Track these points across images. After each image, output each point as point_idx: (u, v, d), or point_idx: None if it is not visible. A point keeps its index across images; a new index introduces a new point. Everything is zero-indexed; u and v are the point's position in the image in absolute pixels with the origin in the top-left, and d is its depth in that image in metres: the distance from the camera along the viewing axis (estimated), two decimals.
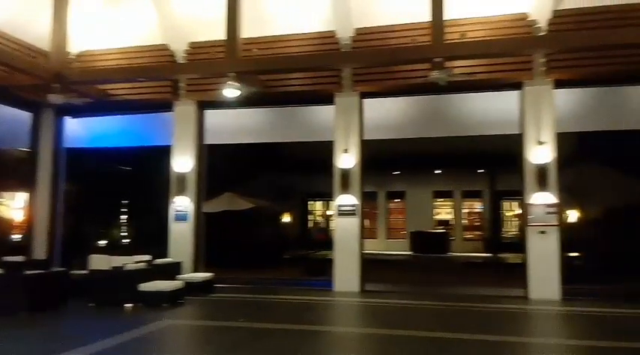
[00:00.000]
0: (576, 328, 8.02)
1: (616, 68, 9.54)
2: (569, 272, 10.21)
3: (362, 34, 10.79)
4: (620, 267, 12.15)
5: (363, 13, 10.70)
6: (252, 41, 10.83)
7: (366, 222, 24.57)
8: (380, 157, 15.37)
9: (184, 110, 11.88)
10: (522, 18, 10.01)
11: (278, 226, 20.70)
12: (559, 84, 10.10)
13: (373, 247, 22.06)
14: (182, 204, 11.67)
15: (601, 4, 9.54)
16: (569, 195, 12.61)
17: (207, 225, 12.32)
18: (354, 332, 7.55)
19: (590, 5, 9.60)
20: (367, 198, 21.68)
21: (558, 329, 8.15)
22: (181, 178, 11.69)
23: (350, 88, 10.99)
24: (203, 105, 11.93)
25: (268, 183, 19.79)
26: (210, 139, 12.15)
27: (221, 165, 13.70)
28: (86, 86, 11.04)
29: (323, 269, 12.04)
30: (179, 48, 11.72)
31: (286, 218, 22.73)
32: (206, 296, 10.02)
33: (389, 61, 10.14)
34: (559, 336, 7.56)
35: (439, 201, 25.41)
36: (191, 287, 9.83)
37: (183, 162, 11.75)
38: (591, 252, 12.84)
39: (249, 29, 10.47)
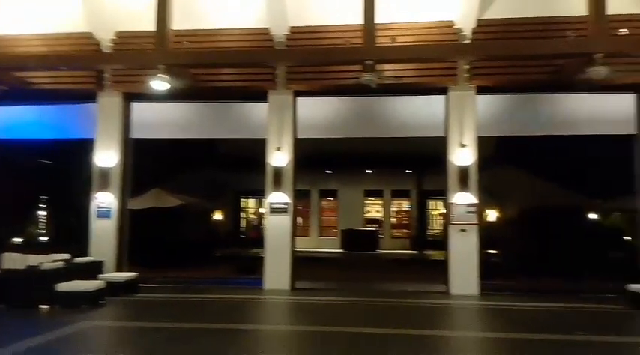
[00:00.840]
0: (493, 321, 8.52)
1: (532, 77, 10.21)
2: (487, 269, 10.81)
3: (296, 32, 10.83)
4: (534, 264, 13.05)
5: (298, 12, 10.74)
6: (184, 34, 10.58)
7: (299, 220, 24.78)
8: (313, 156, 15.50)
9: (109, 102, 11.36)
10: (449, 26, 10.46)
11: (209, 224, 20.32)
12: (481, 90, 10.64)
13: (305, 245, 22.22)
14: (105, 200, 11.16)
15: (521, 17, 10.14)
16: (488, 196, 13.34)
17: (132, 223, 11.86)
18: (281, 330, 7.57)
19: (512, 17, 10.18)
20: (300, 196, 21.96)
21: (476, 322, 8.62)
22: (105, 173, 11.17)
23: (284, 86, 10.99)
24: (130, 98, 11.47)
25: (199, 179, 19.35)
26: (137, 133, 11.71)
27: (149, 160, 13.23)
28: (1, 72, 10.29)
29: (254, 267, 11.96)
30: (105, 37, 11.19)
31: (218, 215, 22.36)
32: (129, 297, 9.65)
33: (322, 61, 10.27)
34: (477, 329, 8.01)
35: (370, 200, 26.03)
36: (113, 287, 9.44)
37: (106, 156, 11.24)
38: (508, 250, 13.66)
39: (180, 21, 10.24)
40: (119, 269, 10.99)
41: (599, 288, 10.42)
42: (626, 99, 10.57)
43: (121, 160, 11.34)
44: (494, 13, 10.32)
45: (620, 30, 9.01)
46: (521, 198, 15.13)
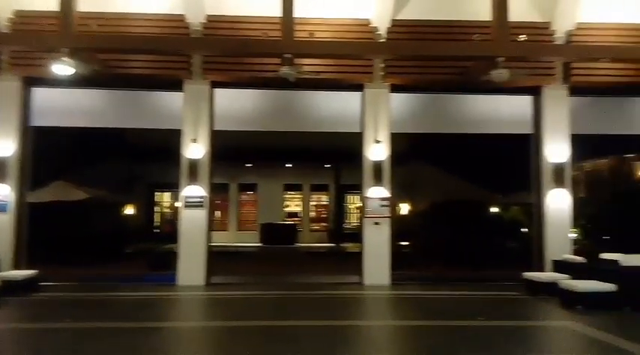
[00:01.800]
0: (402, 310, 8.90)
1: (441, 77, 10.72)
2: (399, 260, 11.27)
3: (213, 21, 10.57)
4: (442, 254, 13.79)
5: (216, 1, 10.49)
6: (92, 16, 9.95)
7: (217, 214, 24.32)
8: (232, 149, 15.24)
9: (6, 86, 10.43)
10: (365, 24, 10.71)
11: (119, 218, 19.32)
12: (395, 88, 11.01)
13: (223, 239, 21.86)
14: (1, 192, 10.27)
15: (432, 19, 10.60)
16: (401, 190, 13.89)
17: (33, 217, 11.01)
18: (193, 327, 7.40)
19: (424, 18, 10.61)
20: (218, 189, 21.55)
21: (385, 311, 8.96)
22: (0, 163, 10.28)
23: (200, 76, 10.69)
24: (30, 82, 10.62)
25: (109, 171, 18.34)
26: (38, 121, 10.87)
27: (53, 150, 12.32)
28: None
29: (167, 263, 11.57)
30: (1, 16, 10.25)
31: (129, 209, 21.34)
32: (28, 296, 8.97)
33: (240, 52, 10.08)
34: (385, 318, 8.32)
35: (289, 194, 26.12)
36: (10, 287, 8.73)
37: (2, 145, 10.33)
38: (418, 241, 14.32)
39: (88, 2, 9.62)
40: (17, 267, 10.19)
41: (499, 276, 11.18)
42: (525, 101, 11.40)
43: (19, 150, 10.48)
44: (408, 14, 10.71)
45: (520, 36, 9.69)
46: (431, 193, 15.92)
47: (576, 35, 10.67)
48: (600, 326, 6.84)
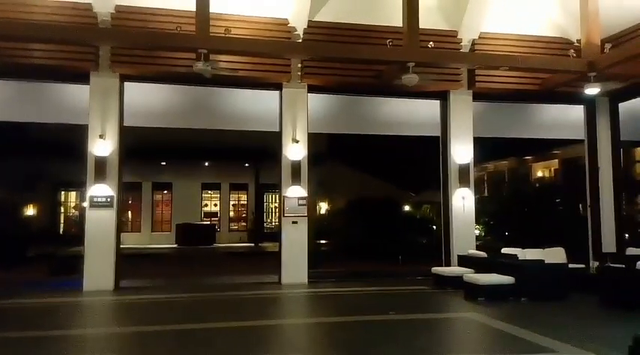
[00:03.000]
0: (318, 307, 9.03)
1: (356, 79, 10.96)
2: (317, 258, 11.41)
3: (122, 12, 10.05)
4: (358, 252, 14.17)
5: None
6: None
7: (129, 215, 23.23)
8: (146, 146, 14.62)
9: None
10: (283, 23, 10.71)
11: (19, 220, 17.88)
12: (312, 88, 11.13)
13: (136, 241, 20.93)
14: None
15: (347, 22, 10.81)
16: (319, 189, 14.10)
17: None
18: (99, 333, 6.99)
19: (339, 21, 10.80)
20: (130, 189, 20.57)
21: (302, 309, 9.04)
22: None
23: (108, 69, 10.13)
24: None
25: (7, 169, 16.88)
26: None
27: None
28: None
29: (73, 267, 10.86)
30: None
31: (32, 210, 19.83)
32: None
33: (150, 45, 9.67)
34: (302, 316, 8.40)
35: (207, 193, 25.54)
36: None
37: None
38: (335, 239, 14.62)
39: None
40: None
41: (412, 272, 11.70)
42: (434, 105, 11.99)
43: None
44: (325, 16, 10.86)
45: (429, 43, 10.17)
46: (348, 192, 16.32)
47: (480, 44, 11.40)
48: (499, 316, 7.37)
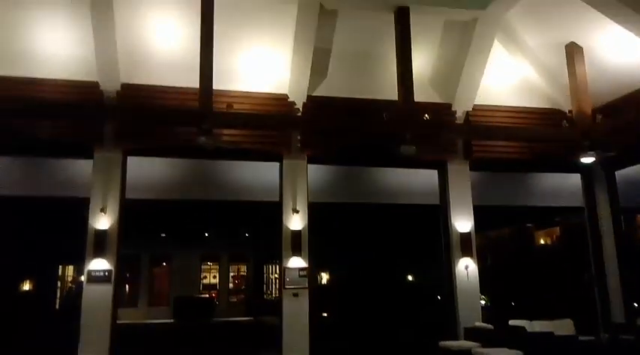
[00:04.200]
0: None
1: (355, 150, 11.19)
2: (319, 331, 11.04)
3: (129, 89, 10.44)
4: (361, 325, 13.75)
5: (131, 69, 10.42)
6: None
7: (126, 289, 22.78)
8: (146, 218, 14.63)
9: None
10: (283, 98, 11.08)
11: (16, 296, 17.50)
12: (312, 159, 11.31)
13: (132, 316, 20.37)
14: None
15: (345, 96, 11.21)
16: (320, 260, 13.92)
17: None
18: None
19: (337, 96, 11.20)
20: (128, 261, 20.30)
21: None
22: None
23: (112, 144, 10.37)
24: None
25: (8, 243, 16.76)
26: None
27: None
28: None
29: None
30: None
31: (28, 285, 19.46)
32: None
33: (155, 121, 9.98)
34: None
35: (207, 265, 25.19)
36: None
37: None
38: (338, 312, 14.23)
39: None
40: None
41: (418, 345, 11.28)
42: (432, 174, 12.14)
43: None
44: (323, 91, 11.25)
45: (425, 115, 10.50)
46: (349, 262, 16.09)
47: (474, 116, 11.73)
48: None
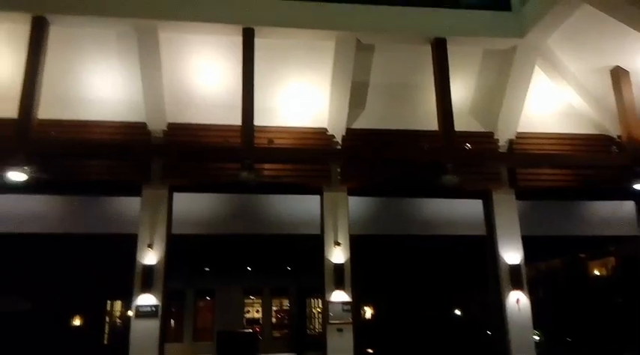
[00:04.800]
0: None
1: (396, 181, 11.10)
2: None
3: (174, 128, 10.85)
4: None
5: (177, 109, 10.87)
6: (51, 123, 10.06)
7: (171, 324, 22.98)
8: (190, 253, 14.88)
9: None
10: (322, 132, 11.24)
11: (66, 331, 17.96)
12: (353, 191, 11.29)
13: (178, 352, 20.50)
14: None
15: (383, 128, 11.24)
16: (363, 293, 13.68)
17: None
18: None
19: (376, 127, 11.24)
20: (173, 296, 20.54)
21: None
22: None
23: (159, 181, 10.72)
24: None
25: (58, 279, 17.37)
26: None
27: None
28: None
29: None
30: None
31: (77, 321, 19.95)
32: None
33: (199, 158, 10.29)
34: None
35: (250, 299, 25.19)
36: None
37: None
38: (384, 347, 13.84)
39: (48, 110, 9.78)
40: None
41: None
42: (477, 204, 11.85)
43: None
44: (361, 123, 11.35)
45: (466, 144, 10.36)
46: (393, 295, 15.73)
47: (518, 144, 11.49)
48: None
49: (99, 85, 10.68)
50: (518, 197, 11.57)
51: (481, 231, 11.75)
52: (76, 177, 10.36)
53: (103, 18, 9.56)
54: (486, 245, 11.62)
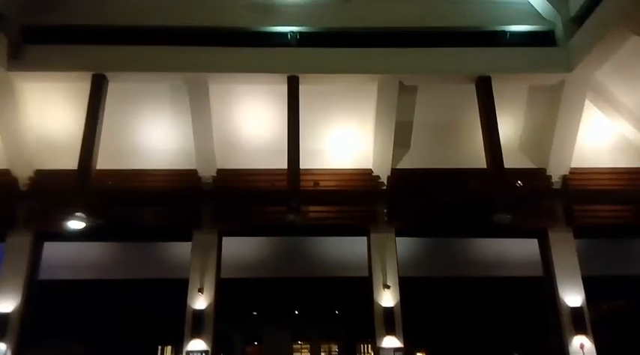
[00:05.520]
0: None
1: (446, 221, 10.86)
2: None
3: (223, 174, 11.12)
4: None
5: (226, 156, 11.16)
6: (108, 172, 10.54)
7: None
8: (238, 297, 14.87)
9: (17, 241, 10.63)
10: (367, 173, 11.21)
11: None
12: (401, 232, 11.09)
13: None
14: None
15: (429, 167, 11.10)
16: (415, 338, 13.18)
17: None
18: None
19: (421, 167, 11.13)
20: (221, 340, 20.44)
21: None
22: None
23: (208, 226, 10.92)
24: (41, 237, 10.85)
25: (112, 325, 17.67)
26: (45, 275, 10.86)
27: (56, 304, 12.04)
28: None
29: None
30: (22, 175, 10.87)
31: None
32: None
33: (248, 202, 10.46)
34: None
35: (297, 344, 24.76)
36: None
37: (5, 301, 10.19)
38: None
39: (105, 161, 10.26)
40: None
41: None
42: (532, 244, 11.36)
43: (22, 305, 10.35)
44: (406, 163, 11.26)
45: (518, 182, 10.06)
46: (447, 340, 15.05)
47: (572, 179, 11.06)
48: None
49: (153, 135, 11.18)
50: (577, 235, 11.01)
51: (538, 271, 11.21)
52: (130, 223, 10.73)
53: (157, 73, 10.13)
54: (545, 286, 11.05)
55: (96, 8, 10.64)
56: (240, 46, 10.37)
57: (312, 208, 10.42)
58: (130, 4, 10.72)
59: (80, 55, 10.10)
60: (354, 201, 10.59)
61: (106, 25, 10.56)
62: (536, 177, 11.03)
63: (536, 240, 11.30)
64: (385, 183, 11.10)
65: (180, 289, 10.78)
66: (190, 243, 10.91)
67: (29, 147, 10.82)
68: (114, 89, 10.31)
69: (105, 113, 10.19)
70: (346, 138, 11.34)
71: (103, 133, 10.09)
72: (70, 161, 9.84)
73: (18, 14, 10.23)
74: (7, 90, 10.18)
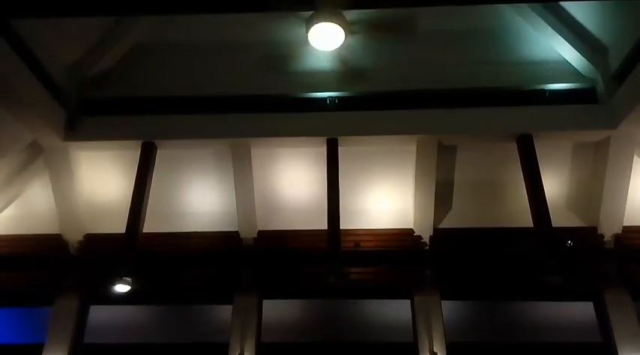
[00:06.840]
0: None
1: (493, 284, 10.46)
2: None
3: (264, 236, 11.22)
4: None
5: (267, 217, 11.30)
6: (154, 236, 10.80)
7: None
8: None
9: (65, 305, 10.85)
10: (409, 233, 11.07)
11: None
12: (446, 295, 10.73)
13: None
14: None
15: (475, 227, 10.87)
16: None
17: None
18: None
19: (465, 226, 10.91)
20: None
21: None
22: None
23: (249, 288, 10.90)
24: (87, 301, 11.05)
25: None
26: (90, 338, 10.95)
27: None
28: None
29: None
30: (74, 238, 11.27)
31: None
32: None
33: (288, 264, 10.46)
34: None
35: None
36: None
37: None
38: None
39: (151, 224, 10.55)
40: None
41: None
42: (587, 307, 10.73)
43: None
44: (449, 222, 11.09)
45: (568, 242, 9.68)
46: None
47: (625, 238, 10.56)
48: None
49: (197, 199, 11.50)
50: (634, 297, 10.36)
51: (596, 337, 10.50)
52: (172, 286, 10.83)
53: (203, 140, 10.57)
54: (603, 353, 10.30)
55: (147, 81, 11.35)
56: (281, 112, 10.76)
57: (353, 270, 10.29)
58: (178, 76, 11.40)
59: (131, 125, 10.71)
60: (397, 261, 10.40)
61: (156, 96, 11.22)
62: (586, 236, 10.59)
63: (591, 303, 10.68)
64: (427, 243, 10.90)
65: (220, 354, 10.63)
66: (231, 305, 10.88)
67: (80, 213, 11.29)
68: (162, 155, 10.80)
69: (152, 178, 10.62)
70: (386, 198, 11.34)
71: (150, 197, 10.45)
72: (118, 225, 10.18)
73: (76, 89, 11.01)
74: (63, 159, 10.82)
